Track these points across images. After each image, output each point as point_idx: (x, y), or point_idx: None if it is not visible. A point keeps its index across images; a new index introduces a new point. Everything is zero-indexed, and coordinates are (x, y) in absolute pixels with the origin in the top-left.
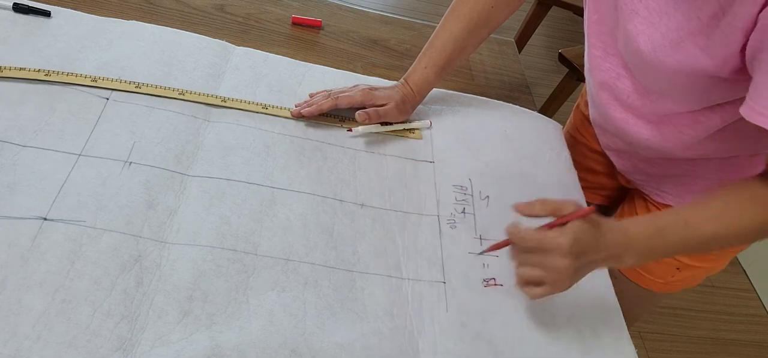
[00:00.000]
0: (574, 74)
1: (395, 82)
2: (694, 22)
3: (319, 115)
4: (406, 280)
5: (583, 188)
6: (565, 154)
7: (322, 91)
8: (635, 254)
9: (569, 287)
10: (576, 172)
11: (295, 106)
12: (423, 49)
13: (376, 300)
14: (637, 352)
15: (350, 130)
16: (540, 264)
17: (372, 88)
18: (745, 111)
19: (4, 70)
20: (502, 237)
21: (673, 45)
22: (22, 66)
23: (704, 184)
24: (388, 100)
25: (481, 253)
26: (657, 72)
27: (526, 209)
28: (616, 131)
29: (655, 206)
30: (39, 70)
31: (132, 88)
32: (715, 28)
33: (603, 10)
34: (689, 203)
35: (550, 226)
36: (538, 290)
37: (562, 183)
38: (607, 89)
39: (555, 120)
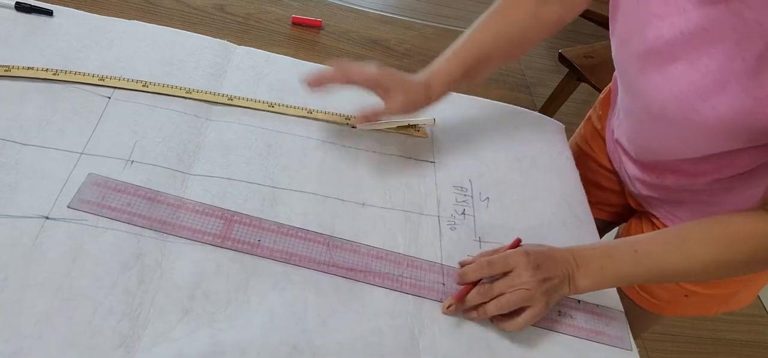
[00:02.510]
0: (574, 74)
1: (415, 75)
2: (738, 63)
3: (326, 114)
4: (407, 279)
5: (589, 202)
6: (566, 154)
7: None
8: (586, 275)
9: (546, 304)
10: (578, 171)
11: (309, 78)
12: (449, 51)
13: (376, 299)
14: (637, 352)
15: (354, 127)
16: (508, 287)
17: (386, 68)
18: None
19: (12, 70)
20: (500, 239)
21: (716, 85)
22: (28, 65)
23: (720, 211)
24: (395, 97)
25: (448, 306)
26: (688, 120)
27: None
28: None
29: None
30: (47, 69)
31: (139, 86)
32: (763, 68)
33: (628, 61)
34: (644, 234)
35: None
36: (518, 319)
37: (563, 183)
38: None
39: (555, 120)
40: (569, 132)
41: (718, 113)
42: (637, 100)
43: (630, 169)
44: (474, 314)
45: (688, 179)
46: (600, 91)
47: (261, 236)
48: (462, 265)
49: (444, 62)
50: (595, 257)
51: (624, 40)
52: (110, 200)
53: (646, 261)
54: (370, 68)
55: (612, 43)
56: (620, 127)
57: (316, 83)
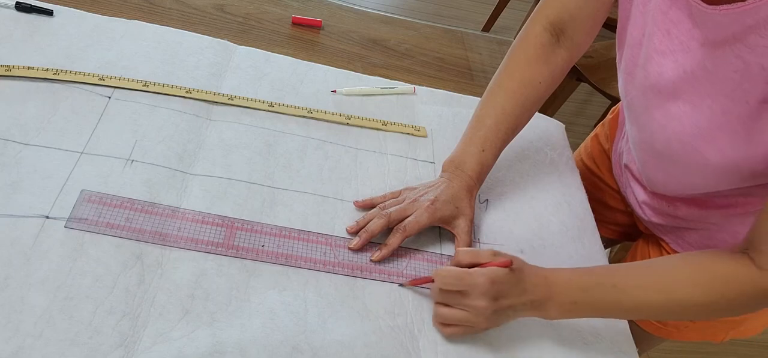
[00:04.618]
0: (574, 74)
1: (437, 179)
2: (742, 106)
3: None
4: (407, 279)
5: (594, 220)
6: (567, 154)
7: (374, 210)
8: (558, 306)
9: (486, 328)
10: (578, 171)
11: (356, 242)
12: (471, 131)
13: (376, 299)
14: (637, 352)
15: (334, 91)
16: (458, 303)
17: (433, 203)
18: None
19: (13, 69)
20: (499, 241)
21: (720, 128)
22: (28, 65)
23: (731, 238)
24: (459, 226)
25: (401, 285)
26: (691, 160)
27: (455, 261)
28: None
29: (668, 253)
30: (47, 69)
31: (139, 86)
32: (765, 113)
33: (632, 93)
34: (625, 265)
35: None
36: (452, 329)
37: (562, 183)
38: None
39: (555, 120)
40: (569, 131)
41: (721, 155)
42: (642, 135)
43: (640, 195)
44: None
45: (701, 210)
46: (600, 91)
47: (264, 241)
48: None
49: (479, 154)
50: (570, 288)
51: (628, 73)
52: (106, 216)
53: (625, 299)
54: (421, 217)
55: (618, 75)
56: (630, 154)
57: (363, 246)
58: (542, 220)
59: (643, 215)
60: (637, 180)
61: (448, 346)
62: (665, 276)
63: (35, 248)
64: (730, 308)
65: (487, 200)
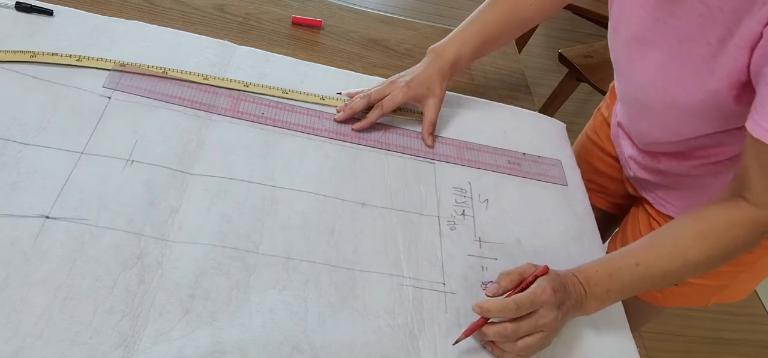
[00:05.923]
0: (574, 74)
1: (418, 64)
2: (705, 48)
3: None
4: (407, 279)
5: (590, 189)
6: (567, 154)
7: (359, 95)
8: (595, 299)
9: (554, 338)
10: (579, 169)
11: (338, 113)
12: (458, 29)
13: (376, 299)
14: (637, 351)
15: (340, 93)
16: (535, 326)
17: (408, 84)
18: (749, 125)
19: (37, 56)
20: (499, 239)
21: (687, 69)
22: (53, 51)
23: (708, 196)
24: (429, 105)
25: (456, 343)
26: (665, 103)
27: (494, 291)
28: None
29: (656, 220)
30: (71, 55)
31: (159, 72)
32: (723, 51)
33: (618, 48)
34: (638, 243)
35: (512, 293)
36: (533, 350)
37: (563, 183)
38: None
39: (556, 120)
40: (569, 131)
41: (690, 96)
42: (626, 87)
43: (627, 150)
44: (490, 348)
45: (680, 162)
46: (600, 91)
47: (264, 110)
48: (484, 285)
49: (458, 49)
50: (599, 279)
51: (614, 28)
52: (156, 86)
53: (647, 273)
54: (396, 95)
55: (608, 35)
56: (621, 112)
57: (346, 119)
58: (542, 220)
59: (629, 171)
60: (626, 135)
61: (447, 346)
62: (676, 242)
63: (35, 248)
64: (738, 250)
65: (487, 199)
